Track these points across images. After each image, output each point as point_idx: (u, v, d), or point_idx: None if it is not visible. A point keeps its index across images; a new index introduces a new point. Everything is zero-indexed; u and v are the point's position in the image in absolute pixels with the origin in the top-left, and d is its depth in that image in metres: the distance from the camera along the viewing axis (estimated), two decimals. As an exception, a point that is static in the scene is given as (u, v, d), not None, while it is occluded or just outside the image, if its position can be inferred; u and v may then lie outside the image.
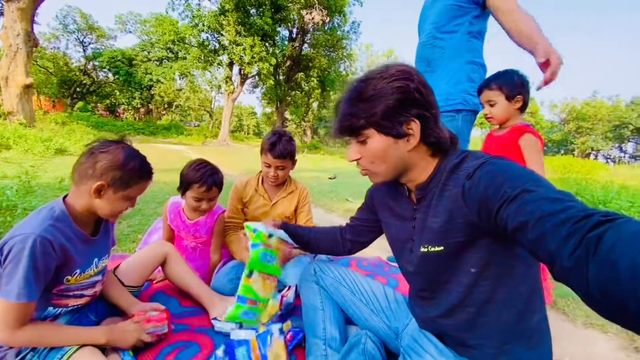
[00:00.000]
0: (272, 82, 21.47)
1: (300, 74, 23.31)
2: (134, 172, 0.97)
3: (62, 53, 26.32)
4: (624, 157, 41.13)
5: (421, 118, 0.76)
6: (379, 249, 2.34)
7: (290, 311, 1.38)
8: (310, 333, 1.08)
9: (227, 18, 17.74)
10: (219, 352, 1.04)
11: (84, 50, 27.19)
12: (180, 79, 27.50)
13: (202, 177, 1.43)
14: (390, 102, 0.74)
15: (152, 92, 27.47)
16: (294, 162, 1.60)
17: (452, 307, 0.81)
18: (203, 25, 19.00)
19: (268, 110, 33.92)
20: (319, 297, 1.13)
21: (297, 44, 21.66)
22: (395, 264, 2.09)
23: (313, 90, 23.94)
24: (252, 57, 18.04)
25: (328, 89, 23.42)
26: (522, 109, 1.44)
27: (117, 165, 0.93)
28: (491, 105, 1.45)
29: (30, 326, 0.87)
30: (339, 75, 23.32)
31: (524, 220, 0.54)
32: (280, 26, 20.25)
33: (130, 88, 27.40)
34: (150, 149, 12.36)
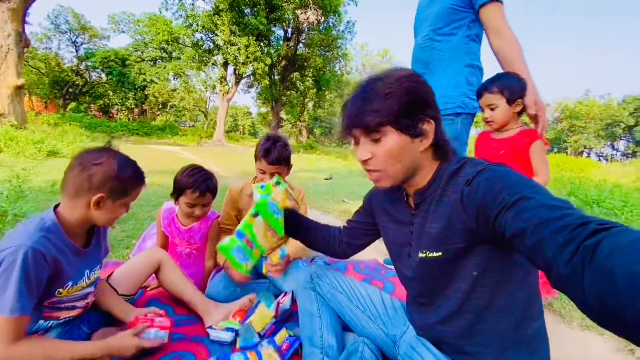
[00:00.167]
0: (267, 82, 21.41)
1: (296, 74, 23.27)
2: (130, 179, 0.98)
3: (54, 53, 26.08)
4: (616, 154, 41.66)
5: (434, 119, 0.77)
6: (376, 250, 2.33)
7: (286, 317, 1.37)
8: (307, 341, 1.06)
9: (221, 18, 17.66)
10: None
11: (77, 51, 26.93)
12: (174, 79, 27.32)
13: (195, 183, 1.41)
14: (408, 100, 0.74)
15: (146, 93, 27.27)
16: (289, 167, 1.56)
17: (450, 313, 0.81)
18: (197, 25, 18.92)
19: (263, 110, 33.80)
20: (316, 304, 1.12)
21: (292, 44, 21.61)
22: (392, 267, 2.08)
23: (308, 90, 23.91)
24: (247, 57, 17.97)
25: (323, 88, 23.42)
26: (521, 113, 1.45)
27: (113, 176, 0.93)
28: (492, 109, 1.45)
29: (25, 341, 0.85)
30: (334, 75, 23.34)
31: (521, 227, 0.54)
32: (275, 26, 20.20)
33: (123, 88, 27.17)
34: (144, 150, 12.26)
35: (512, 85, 1.39)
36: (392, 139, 0.75)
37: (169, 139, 21.77)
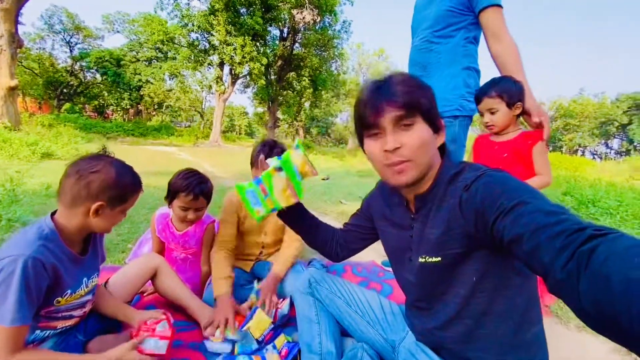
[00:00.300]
0: (264, 82, 21.35)
1: (292, 74, 23.22)
2: (128, 186, 0.98)
3: (48, 54, 25.83)
4: (610, 153, 42.05)
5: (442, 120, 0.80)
6: (375, 252, 2.33)
7: (284, 323, 1.36)
8: (306, 348, 1.06)
9: (217, 18, 17.58)
10: None
11: (71, 51, 26.69)
12: (170, 79, 27.20)
13: (189, 186, 1.40)
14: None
15: (142, 93, 27.08)
16: None
17: (449, 319, 0.81)
18: (193, 25, 18.82)
19: (260, 110, 33.70)
20: (314, 310, 1.12)
21: (288, 44, 21.56)
22: (389, 269, 2.08)
23: (305, 90, 23.87)
24: (243, 57, 17.91)
25: (320, 88, 23.38)
26: (519, 115, 1.46)
27: (111, 184, 0.93)
28: (492, 113, 1.46)
29: (26, 352, 0.84)
30: (331, 75, 23.32)
31: (519, 232, 0.55)
32: (271, 26, 20.14)
33: (118, 89, 26.99)
34: (140, 151, 12.19)
35: (510, 89, 1.40)
36: (422, 129, 0.75)
37: (164, 140, 21.63)
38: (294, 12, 18.84)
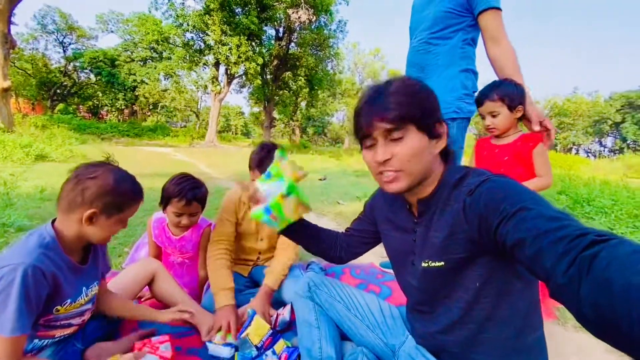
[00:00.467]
0: (260, 82, 21.29)
1: (288, 73, 23.19)
2: (126, 195, 0.94)
3: (41, 54, 25.59)
4: (604, 151, 42.49)
5: (445, 123, 0.79)
6: (372, 254, 2.33)
7: (284, 328, 1.36)
8: (306, 353, 1.05)
9: (212, 17, 17.51)
10: None
11: (64, 51, 26.43)
12: (165, 79, 27.02)
13: (182, 192, 1.38)
14: (429, 102, 0.76)
15: (137, 93, 26.91)
16: None
17: (452, 323, 0.82)
18: (187, 24, 18.72)
19: (256, 110, 33.62)
20: (314, 314, 1.11)
21: (283, 43, 21.51)
22: (388, 271, 2.08)
23: (301, 90, 23.84)
24: (239, 57, 17.85)
25: (316, 87, 23.37)
26: (520, 118, 1.46)
27: (108, 191, 0.90)
28: (493, 116, 1.45)
29: None
30: (327, 74, 23.30)
31: (521, 237, 0.55)
32: (266, 25, 20.09)
33: (113, 89, 26.77)
34: (135, 152, 12.10)
35: (512, 92, 1.40)
36: (414, 138, 0.74)
37: (160, 140, 21.50)
38: (290, 11, 18.81)
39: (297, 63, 21.71)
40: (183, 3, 18.93)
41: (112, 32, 27.49)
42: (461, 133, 1.66)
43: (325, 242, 1.10)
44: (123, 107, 29.35)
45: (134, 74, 25.69)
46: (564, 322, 1.58)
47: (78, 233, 0.92)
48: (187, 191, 1.39)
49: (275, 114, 28.24)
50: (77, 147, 9.66)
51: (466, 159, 1.86)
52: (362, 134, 0.79)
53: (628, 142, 36.36)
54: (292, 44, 21.84)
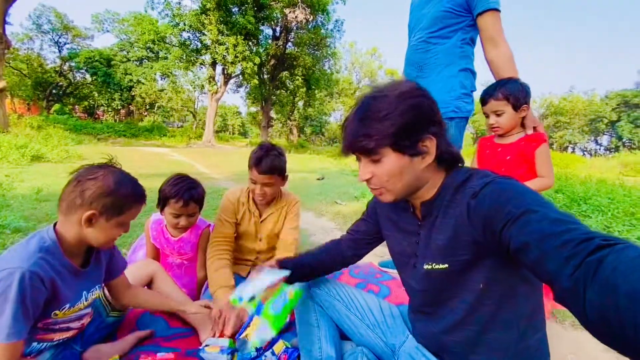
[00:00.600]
0: (257, 82, 21.26)
1: (285, 73, 23.16)
2: (127, 197, 0.93)
3: (37, 54, 25.43)
4: (600, 149, 42.76)
5: (436, 135, 0.75)
6: (371, 253, 2.33)
7: (284, 328, 1.35)
8: (306, 353, 1.05)
9: (208, 17, 17.45)
10: None
11: (60, 51, 26.27)
12: (161, 79, 26.93)
13: (179, 192, 1.38)
14: (406, 121, 0.72)
15: (133, 93, 26.75)
16: (284, 177, 1.51)
17: (455, 324, 0.81)
18: (184, 24, 18.64)
19: (253, 109, 33.55)
20: (314, 314, 1.11)
21: (280, 43, 21.48)
22: (387, 270, 2.09)
23: (298, 89, 23.85)
24: (236, 57, 17.80)
25: (313, 87, 23.36)
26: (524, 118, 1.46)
27: (108, 192, 0.89)
28: (498, 115, 1.45)
29: None
30: (324, 74, 23.29)
31: (526, 240, 0.54)
32: (263, 25, 20.04)
33: (109, 89, 26.58)
34: (132, 152, 12.04)
35: (517, 91, 1.39)
36: (391, 160, 0.74)
37: (157, 140, 21.40)
38: (286, 11, 18.77)
39: (294, 62, 21.69)
40: (179, 2, 18.84)
41: (108, 31, 27.33)
42: (460, 132, 1.67)
43: (328, 265, 1.13)
44: (119, 107, 29.19)
45: (130, 74, 25.52)
46: (562, 320, 1.59)
47: (78, 235, 0.90)
48: (184, 192, 1.39)
49: (272, 114, 28.18)
50: (73, 147, 9.58)
51: (467, 159, 1.87)
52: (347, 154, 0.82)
53: (624, 140, 36.60)
54: (289, 44, 21.81)
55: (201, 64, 21.05)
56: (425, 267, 0.81)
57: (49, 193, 3.78)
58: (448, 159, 0.79)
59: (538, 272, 0.53)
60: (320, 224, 3.41)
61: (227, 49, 17.74)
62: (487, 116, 1.49)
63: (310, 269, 1.11)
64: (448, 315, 0.82)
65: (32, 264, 0.80)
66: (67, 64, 26.39)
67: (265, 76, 22.57)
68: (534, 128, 1.45)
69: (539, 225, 0.54)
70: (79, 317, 1.00)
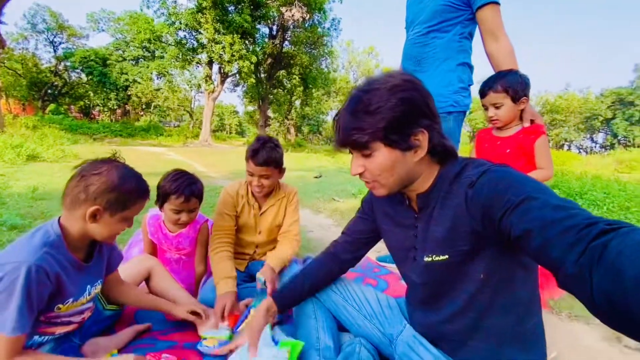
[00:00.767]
0: (254, 81, 21.16)
1: (282, 72, 23.10)
2: (130, 192, 0.93)
3: (31, 54, 25.21)
4: (595, 147, 43.05)
5: (428, 128, 0.74)
6: (368, 249, 2.34)
7: (283, 320, 1.36)
8: (305, 343, 1.06)
9: (204, 16, 17.36)
10: None
11: (55, 51, 26.05)
12: (157, 78, 26.75)
13: (179, 188, 1.37)
14: (397, 114, 0.71)
15: (129, 93, 26.57)
16: (280, 170, 1.52)
17: (455, 313, 0.82)
18: (180, 23, 18.53)
19: (250, 108, 33.46)
20: (312, 306, 1.12)
21: (277, 42, 21.42)
22: (385, 264, 2.09)
23: (295, 88, 23.77)
24: (232, 55, 17.73)
25: (310, 86, 23.33)
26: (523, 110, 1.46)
27: (112, 187, 0.89)
28: (497, 108, 1.44)
29: (23, 356, 0.82)
30: (321, 73, 23.26)
31: (527, 227, 0.54)
32: (259, 23, 19.98)
33: (105, 89, 26.40)
34: (129, 152, 11.97)
35: (516, 84, 1.39)
36: (383, 154, 0.74)
37: (153, 140, 21.27)
38: (283, 9, 18.73)
39: (291, 61, 21.63)
40: (175, 1, 18.74)
41: (103, 31, 27.13)
42: (458, 126, 1.67)
43: (324, 281, 1.13)
44: (115, 107, 29.00)
45: (126, 74, 25.36)
46: (558, 311, 1.60)
47: (82, 230, 0.91)
48: (185, 187, 1.38)
49: (269, 113, 28.15)
50: (69, 147, 9.53)
51: (466, 152, 1.87)
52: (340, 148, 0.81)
53: (619, 138, 36.89)
54: (286, 42, 21.76)
55: (197, 63, 20.95)
56: (426, 259, 0.81)
57: (45, 192, 3.77)
58: (441, 152, 0.78)
59: (541, 259, 0.52)
60: (318, 221, 3.42)
61: (223, 47, 17.67)
62: (486, 108, 1.49)
63: (309, 294, 1.11)
64: (448, 305, 0.83)
65: (38, 258, 0.80)
66: (62, 63, 26.17)
67: (262, 75, 22.51)
68: (531, 121, 1.45)
69: (540, 212, 0.54)
70: (80, 311, 1.00)
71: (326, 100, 31.64)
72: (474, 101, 1.82)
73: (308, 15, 19.39)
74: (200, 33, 18.62)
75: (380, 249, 2.30)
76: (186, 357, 1.13)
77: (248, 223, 1.60)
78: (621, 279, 0.39)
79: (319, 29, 20.88)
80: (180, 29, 19.18)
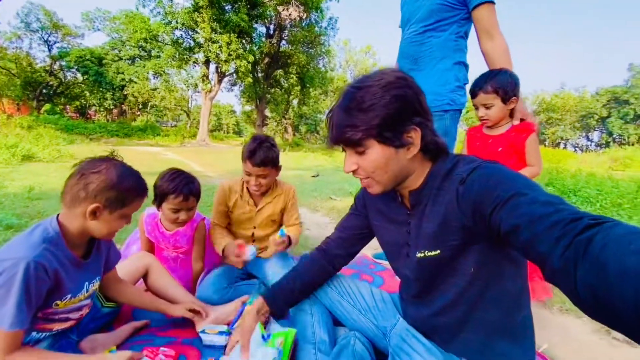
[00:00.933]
0: (251, 80, 21.14)
1: (279, 71, 23.09)
2: (130, 190, 0.94)
3: (26, 53, 24.96)
4: (591, 145, 43.34)
5: (421, 125, 0.74)
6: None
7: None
8: (300, 338, 1.08)
9: (201, 15, 17.32)
10: None
11: (49, 50, 25.84)
12: (154, 78, 26.59)
13: (177, 187, 1.38)
14: (391, 112, 0.71)
15: (125, 92, 26.40)
16: (277, 168, 1.54)
17: (445, 306, 0.83)
18: (176, 22, 18.47)
19: (247, 108, 33.40)
20: (308, 301, 1.13)
21: (274, 41, 21.40)
22: (381, 261, 2.12)
23: (292, 87, 23.77)
24: (229, 55, 17.70)
25: (308, 85, 23.33)
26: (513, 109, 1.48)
27: (111, 185, 0.90)
28: (487, 108, 1.46)
29: (21, 352, 0.83)
30: (318, 72, 23.26)
31: (516, 223, 0.55)
32: (256, 23, 19.95)
33: (101, 88, 26.23)
34: (125, 151, 11.89)
35: (506, 84, 1.40)
36: (376, 151, 0.75)
37: (150, 140, 21.17)
38: (280, 8, 18.71)
39: (289, 61, 21.62)
40: (171, 0, 18.68)
41: (98, 30, 26.94)
42: (454, 124, 1.69)
43: (317, 280, 1.13)
44: (112, 107, 28.83)
45: (122, 73, 25.20)
46: (550, 305, 1.63)
47: (82, 228, 0.92)
48: (183, 186, 1.39)
49: (267, 112, 28.11)
50: (65, 147, 9.48)
51: (458, 151, 1.89)
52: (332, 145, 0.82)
53: (614, 136, 37.15)
54: (283, 42, 21.74)
55: (194, 62, 20.88)
56: (418, 255, 0.82)
57: (41, 192, 3.76)
58: (433, 149, 0.79)
59: (529, 253, 0.54)
60: (315, 219, 3.43)
61: (220, 47, 17.63)
62: (477, 108, 1.50)
63: (299, 293, 1.11)
64: (439, 299, 0.84)
65: (36, 254, 0.81)
66: (57, 63, 25.98)
67: (260, 74, 22.48)
68: (521, 120, 1.47)
69: (529, 207, 0.55)
70: (78, 308, 1.01)
71: (324, 100, 31.65)
72: (470, 100, 1.84)
73: (305, 15, 19.38)
74: (196, 32, 18.58)
75: (376, 246, 2.33)
76: (184, 352, 1.14)
77: (242, 218, 1.64)
78: (605, 273, 0.39)
79: (316, 28, 20.88)
80: (176, 28, 19.12)
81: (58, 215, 0.93)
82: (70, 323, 1.02)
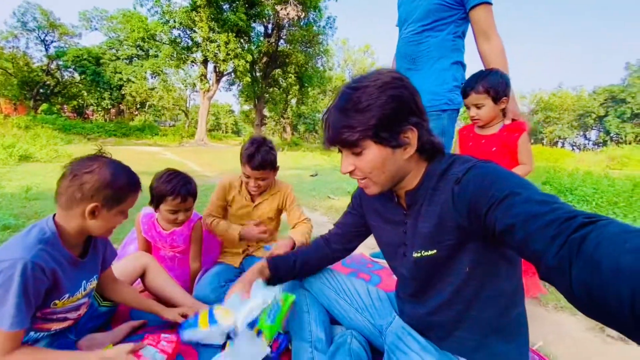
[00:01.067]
0: (249, 79, 21.10)
1: (277, 71, 23.06)
2: (124, 186, 0.95)
3: (22, 52, 24.81)
4: (588, 144, 43.51)
5: (417, 126, 0.75)
6: (362, 244, 2.37)
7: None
8: (297, 336, 1.08)
9: (199, 14, 17.27)
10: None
11: (46, 49, 25.71)
12: (152, 77, 26.52)
13: (175, 189, 1.38)
14: (387, 112, 0.71)
15: (123, 92, 26.32)
16: (275, 170, 1.56)
17: (441, 305, 0.84)
18: (174, 21, 18.41)
19: (246, 108, 33.36)
20: (305, 300, 1.14)
21: (273, 40, 21.37)
22: (378, 260, 2.13)
23: (291, 87, 23.76)
24: (227, 54, 17.67)
25: (306, 85, 23.31)
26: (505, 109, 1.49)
27: (106, 184, 0.90)
28: (478, 108, 1.47)
29: (20, 351, 0.84)
30: (317, 71, 23.23)
31: (511, 222, 0.56)
32: (255, 22, 19.91)
33: (98, 88, 26.13)
34: (123, 151, 11.88)
35: (497, 84, 1.41)
36: (373, 152, 0.75)
37: (148, 140, 21.10)
38: (278, 8, 18.68)
39: (287, 60, 21.60)
40: (169, -1, 18.61)
41: (96, 29, 26.86)
42: (451, 123, 1.70)
43: (315, 262, 1.16)
44: (109, 107, 28.73)
45: (120, 73, 25.11)
46: (545, 303, 1.65)
47: (80, 227, 0.92)
48: (181, 187, 1.40)
49: (265, 112, 28.07)
50: (62, 147, 9.46)
51: (453, 149, 1.90)
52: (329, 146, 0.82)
53: (611, 134, 37.31)
54: (281, 41, 21.71)
55: (192, 61, 20.84)
56: (415, 255, 0.83)
57: (39, 192, 3.75)
58: (429, 150, 0.79)
59: (524, 252, 0.54)
60: (314, 218, 3.43)
61: (218, 46, 17.60)
62: (468, 108, 1.52)
63: (299, 268, 1.13)
64: (435, 298, 0.85)
65: (33, 254, 0.82)
66: (54, 62, 25.85)
67: (258, 74, 22.44)
68: (512, 119, 1.48)
69: (524, 206, 0.55)
70: (76, 307, 1.02)
71: (322, 99, 31.64)
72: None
73: (303, 14, 19.36)
74: (194, 32, 18.52)
75: (373, 245, 2.34)
76: (182, 352, 1.15)
77: (240, 213, 1.65)
78: (599, 270, 0.40)
79: (314, 28, 20.86)
80: (174, 27, 19.07)
81: (54, 215, 0.94)
82: (68, 323, 1.02)
